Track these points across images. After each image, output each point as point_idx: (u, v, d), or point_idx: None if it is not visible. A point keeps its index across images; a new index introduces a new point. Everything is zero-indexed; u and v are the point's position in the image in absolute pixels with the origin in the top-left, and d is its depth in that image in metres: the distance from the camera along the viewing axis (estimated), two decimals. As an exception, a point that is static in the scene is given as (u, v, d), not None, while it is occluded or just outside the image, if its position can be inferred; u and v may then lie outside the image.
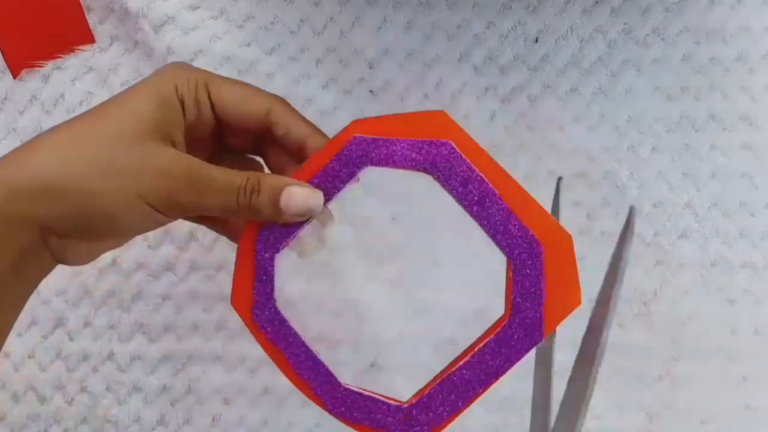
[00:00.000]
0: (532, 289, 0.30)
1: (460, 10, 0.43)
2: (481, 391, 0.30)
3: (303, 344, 0.32)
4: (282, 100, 0.33)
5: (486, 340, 0.30)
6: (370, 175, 0.31)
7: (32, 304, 0.44)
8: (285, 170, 0.33)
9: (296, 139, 0.32)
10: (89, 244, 0.31)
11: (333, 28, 0.44)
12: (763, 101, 0.44)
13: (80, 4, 0.43)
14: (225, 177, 0.30)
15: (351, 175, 0.31)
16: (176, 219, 0.31)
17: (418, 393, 0.31)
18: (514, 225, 0.30)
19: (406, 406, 0.31)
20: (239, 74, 0.44)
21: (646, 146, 0.44)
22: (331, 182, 0.31)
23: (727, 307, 0.44)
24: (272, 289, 0.32)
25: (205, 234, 0.44)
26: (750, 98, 0.44)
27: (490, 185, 0.30)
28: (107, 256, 0.44)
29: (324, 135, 0.33)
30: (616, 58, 0.44)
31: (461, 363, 0.30)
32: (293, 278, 0.44)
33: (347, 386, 0.32)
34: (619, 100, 0.44)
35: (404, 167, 0.31)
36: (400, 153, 0.31)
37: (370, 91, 0.44)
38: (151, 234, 0.44)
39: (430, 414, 0.31)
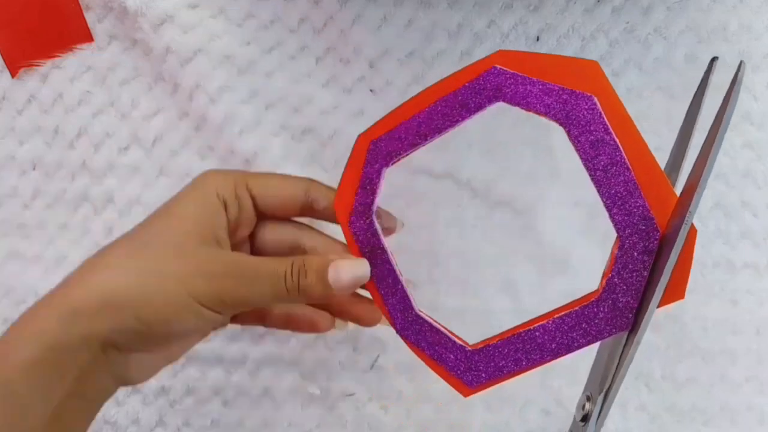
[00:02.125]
0: (634, 275, 0.28)
1: (461, 8, 0.43)
2: (549, 358, 0.29)
3: (389, 261, 0.33)
4: (314, 180, 0.35)
5: (570, 309, 0.29)
6: (497, 110, 0.29)
7: (30, 305, 0.44)
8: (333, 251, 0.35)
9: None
10: (150, 356, 0.32)
11: (333, 26, 0.43)
12: (765, 101, 0.44)
13: (79, 3, 0.43)
14: (269, 265, 0.31)
15: (480, 107, 0.29)
16: (230, 315, 0.33)
17: (485, 340, 0.30)
18: (637, 203, 0.28)
19: (470, 349, 0.31)
20: (239, 73, 0.43)
21: (648, 145, 0.44)
22: (456, 110, 0.30)
23: (729, 308, 0.44)
24: (373, 201, 0.32)
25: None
26: (752, 97, 0.44)
27: (623, 154, 0.28)
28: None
29: None
30: (617, 57, 0.43)
31: (537, 324, 0.29)
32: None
33: (420, 312, 0.32)
34: (622, 99, 0.43)
35: (537, 111, 0.29)
36: (536, 95, 0.29)
37: (371, 90, 0.44)
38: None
39: (491, 364, 0.30)
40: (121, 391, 0.44)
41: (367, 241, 0.33)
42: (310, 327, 0.36)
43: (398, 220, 0.37)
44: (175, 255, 0.31)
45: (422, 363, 0.32)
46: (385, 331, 0.44)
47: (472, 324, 0.44)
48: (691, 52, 0.43)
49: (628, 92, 0.43)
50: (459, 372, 0.31)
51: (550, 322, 0.29)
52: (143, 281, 0.30)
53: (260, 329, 0.44)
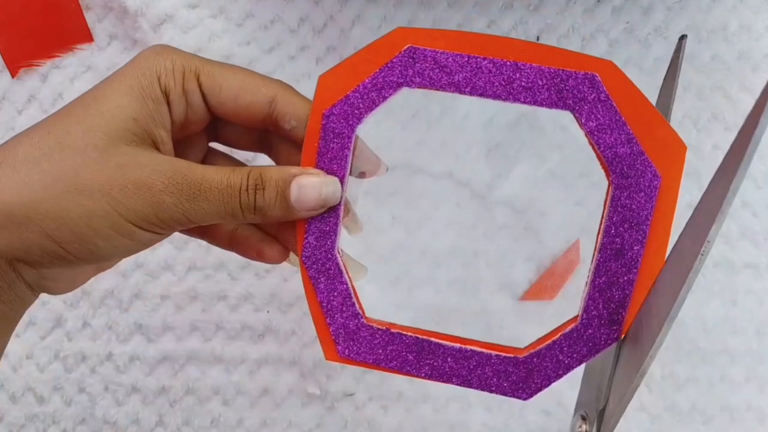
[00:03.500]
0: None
1: (461, 8, 0.43)
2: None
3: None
4: (288, 87, 0.29)
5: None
6: (368, 133, 0.28)
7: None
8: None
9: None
10: (71, 270, 0.27)
11: (333, 26, 0.43)
12: (765, 101, 0.43)
13: (79, 3, 0.43)
14: (220, 177, 0.26)
15: (345, 150, 0.28)
16: (169, 234, 0.28)
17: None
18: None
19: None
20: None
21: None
22: (330, 167, 0.28)
23: (729, 308, 0.44)
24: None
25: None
26: (752, 97, 0.44)
27: (473, 56, 0.27)
28: (106, 256, 0.44)
29: None
30: (617, 57, 0.43)
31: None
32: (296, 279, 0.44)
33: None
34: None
35: (382, 99, 0.27)
36: (369, 91, 0.27)
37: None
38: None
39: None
40: (121, 391, 0.44)
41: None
42: (257, 255, 0.31)
43: (382, 162, 0.31)
44: (100, 160, 0.25)
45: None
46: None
47: (472, 324, 0.44)
48: (691, 52, 0.43)
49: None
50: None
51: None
52: (57, 194, 0.24)
53: (260, 329, 0.44)
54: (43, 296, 0.44)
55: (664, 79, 0.32)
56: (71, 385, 0.45)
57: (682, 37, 0.32)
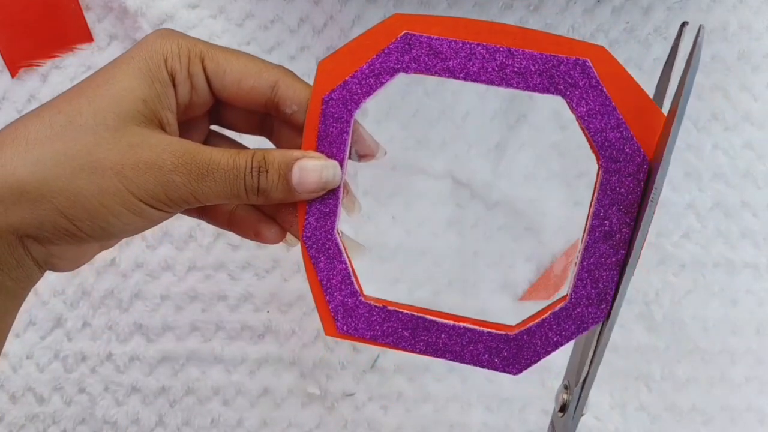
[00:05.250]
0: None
1: (461, 8, 0.43)
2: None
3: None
4: (289, 73, 0.29)
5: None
6: (368, 117, 0.29)
7: (30, 304, 0.44)
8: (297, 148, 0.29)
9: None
10: (78, 247, 0.28)
11: (333, 26, 0.43)
12: (765, 100, 0.44)
13: (78, 3, 0.43)
14: (227, 159, 0.27)
15: (344, 134, 0.28)
16: (176, 213, 0.28)
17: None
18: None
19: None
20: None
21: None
22: (330, 151, 0.28)
23: (729, 308, 0.44)
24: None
25: (204, 234, 0.44)
26: (752, 97, 0.44)
27: (467, 42, 0.28)
28: (105, 257, 0.44)
29: None
30: (618, 57, 0.43)
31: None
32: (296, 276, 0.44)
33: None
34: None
35: (379, 84, 0.28)
36: (366, 76, 0.28)
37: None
38: (149, 233, 0.44)
39: (537, 341, 0.29)
40: (121, 391, 0.44)
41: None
42: (255, 235, 0.31)
43: (380, 146, 0.31)
44: (112, 140, 0.25)
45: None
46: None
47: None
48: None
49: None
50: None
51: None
52: (71, 172, 0.25)
53: (260, 329, 0.44)
54: (43, 296, 0.44)
55: (664, 65, 0.32)
56: (71, 385, 0.44)
57: (683, 24, 0.32)
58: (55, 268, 0.28)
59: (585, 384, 0.28)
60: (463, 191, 0.44)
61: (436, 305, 0.44)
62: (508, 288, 0.44)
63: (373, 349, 0.44)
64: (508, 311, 0.44)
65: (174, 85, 0.27)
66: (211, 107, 0.30)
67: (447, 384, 0.44)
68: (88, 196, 0.25)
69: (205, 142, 0.31)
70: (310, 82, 0.29)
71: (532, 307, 0.43)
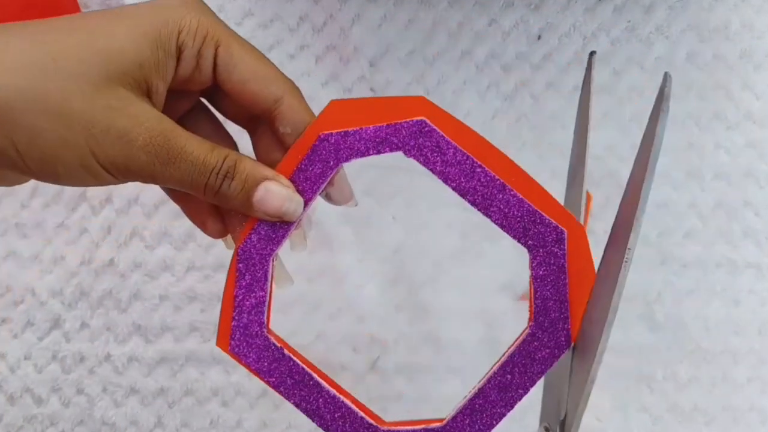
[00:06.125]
0: (556, 288, 0.28)
1: (462, 7, 0.43)
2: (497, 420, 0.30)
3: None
4: (297, 92, 0.28)
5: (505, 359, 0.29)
6: (349, 169, 0.29)
7: (28, 305, 0.44)
8: (273, 164, 0.29)
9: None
10: (17, 176, 0.27)
11: (333, 25, 0.43)
12: (767, 99, 0.43)
13: (78, 4, 0.43)
14: (198, 152, 0.26)
15: (323, 177, 0.28)
16: (125, 183, 0.27)
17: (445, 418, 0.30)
18: (513, 200, 0.28)
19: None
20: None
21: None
22: (303, 185, 0.28)
23: (731, 308, 0.44)
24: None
25: (203, 234, 0.44)
26: (754, 96, 0.43)
27: (472, 158, 0.28)
28: (105, 257, 0.44)
29: None
30: (619, 56, 0.43)
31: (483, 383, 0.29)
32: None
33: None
34: (623, 98, 0.43)
35: (377, 152, 0.28)
36: (369, 138, 0.28)
37: (371, 90, 0.44)
38: (148, 234, 0.44)
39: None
40: (119, 392, 0.44)
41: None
42: (200, 223, 0.31)
43: (354, 197, 0.31)
44: (90, 96, 0.24)
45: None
46: (385, 331, 0.44)
47: (473, 324, 0.44)
48: (693, 51, 0.43)
49: (629, 91, 0.43)
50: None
51: (490, 379, 0.29)
52: (37, 112, 0.24)
53: (259, 330, 0.44)
54: (41, 296, 0.44)
55: (580, 98, 0.32)
56: (69, 386, 0.44)
57: (592, 54, 0.32)
58: None
59: (565, 425, 0.27)
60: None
61: (437, 305, 0.44)
62: (508, 288, 0.44)
63: (373, 350, 0.44)
64: (508, 311, 0.44)
65: (178, 59, 0.26)
66: (206, 89, 0.29)
67: (447, 386, 0.44)
68: (47, 142, 0.24)
69: (189, 113, 0.30)
70: (309, 81, 0.29)
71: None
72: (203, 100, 0.31)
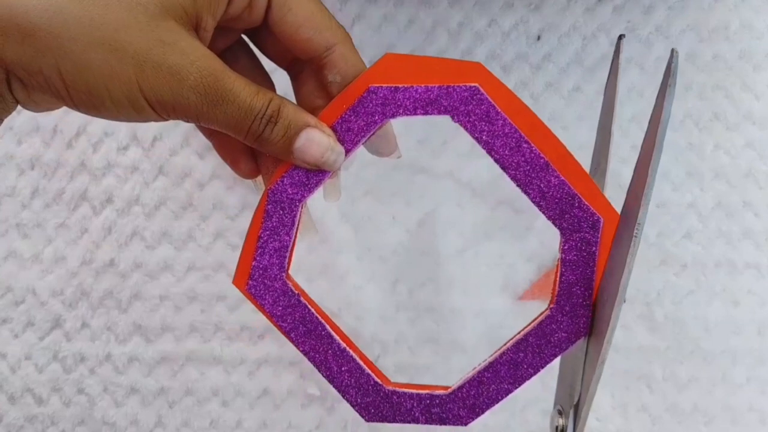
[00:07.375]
0: (583, 273, 0.28)
1: (462, 7, 0.43)
2: (503, 395, 0.29)
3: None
4: (349, 41, 0.28)
5: (524, 334, 0.28)
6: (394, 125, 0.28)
7: (29, 305, 0.44)
8: (314, 110, 0.28)
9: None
10: (54, 103, 0.26)
11: (333, 25, 0.43)
12: (766, 100, 0.43)
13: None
14: (245, 94, 0.25)
15: (366, 130, 0.28)
16: (166, 120, 0.26)
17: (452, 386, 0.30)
18: (555, 182, 0.28)
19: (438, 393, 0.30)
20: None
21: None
22: (344, 136, 0.28)
23: (731, 308, 0.44)
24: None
25: (203, 234, 0.44)
26: (754, 97, 0.43)
27: (521, 132, 0.28)
28: (105, 257, 0.44)
29: None
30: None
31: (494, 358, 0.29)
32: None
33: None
34: (623, 98, 0.43)
35: (424, 113, 0.28)
36: (419, 97, 0.28)
37: (371, 90, 0.44)
38: (148, 234, 0.44)
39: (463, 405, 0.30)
40: (120, 392, 0.44)
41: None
42: (232, 162, 0.30)
43: (398, 149, 0.31)
44: (146, 28, 0.23)
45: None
46: (385, 331, 0.44)
47: (473, 324, 0.44)
48: (693, 51, 0.43)
49: (629, 92, 0.43)
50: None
51: (502, 354, 0.29)
52: (90, 41, 0.23)
53: (259, 329, 0.44)
54: (42, 296, 0.44)
55: (607, 81, 0.32)
56: (70, 386, 0.44)
57: (620, 37, 0.32)
58: (27, 108, 0.26)
59: (579, 408, 0.27)
60: (464, 191, 0.44)
61: (437, 305, 0.44)
62: (508, 288, 0.44)
63: (374, 349, 0.44)
64: (508, 311, 0.44)
65: None
66: (255, 29, 0.28)
67: (447, 384, 0.44)
68: (95, 73, 0.23)
69: (230, 49, 0.29)
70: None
71: (533, 306, 0.43)
72: (244, 37, 0.30)
